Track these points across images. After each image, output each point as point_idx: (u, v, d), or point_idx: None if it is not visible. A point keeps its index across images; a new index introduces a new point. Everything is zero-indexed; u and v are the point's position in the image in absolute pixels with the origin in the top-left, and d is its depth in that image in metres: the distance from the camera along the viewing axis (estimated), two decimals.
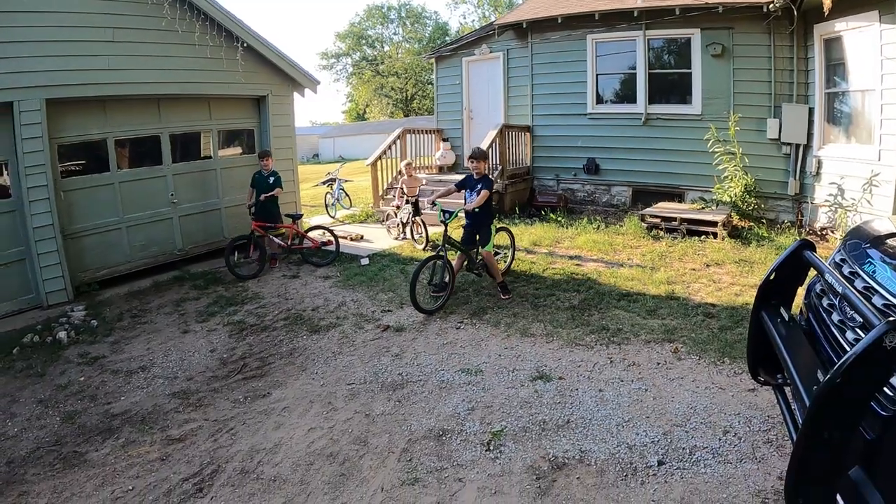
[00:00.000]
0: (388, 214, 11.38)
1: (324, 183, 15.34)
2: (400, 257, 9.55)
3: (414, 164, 13.83)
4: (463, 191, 7.69)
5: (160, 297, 8.63)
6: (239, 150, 11.30)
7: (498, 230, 8.13)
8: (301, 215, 10.35)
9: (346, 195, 15.36)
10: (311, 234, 10.18)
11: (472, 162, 7.47)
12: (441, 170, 14.28)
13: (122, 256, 9.58)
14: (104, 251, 9.38)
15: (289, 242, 9.81)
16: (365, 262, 9.44)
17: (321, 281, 8.82)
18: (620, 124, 12.15)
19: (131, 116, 9.49)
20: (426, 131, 14.73)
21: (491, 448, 4.36)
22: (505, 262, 8.43)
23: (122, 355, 6.82)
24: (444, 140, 14.86)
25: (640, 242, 9.35)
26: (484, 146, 11.68)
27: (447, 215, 7.31)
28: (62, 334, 7.36)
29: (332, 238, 10.02)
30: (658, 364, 5.37)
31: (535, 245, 9.48)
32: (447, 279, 7.29)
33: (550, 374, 5.35)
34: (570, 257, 8.82)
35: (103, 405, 5.71)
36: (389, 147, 13.25)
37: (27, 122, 8.10)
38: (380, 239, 11.03)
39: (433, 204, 7.49)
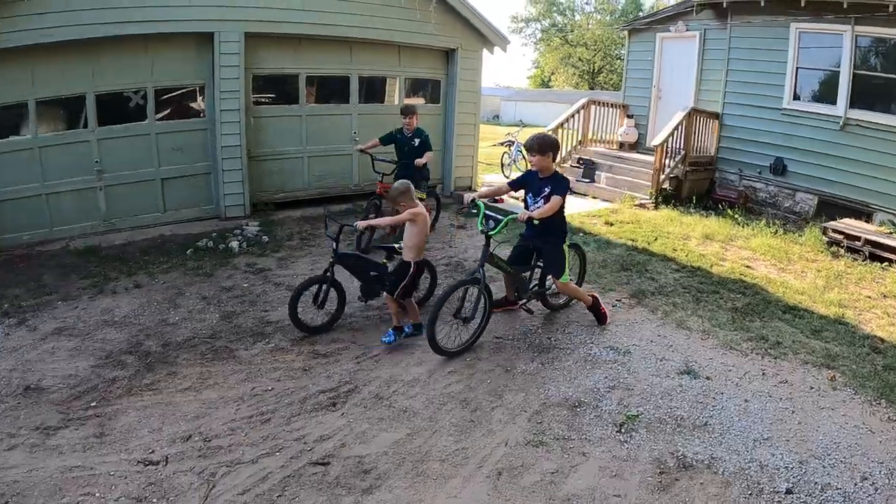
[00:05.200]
0: None
1: (502, 143, 15.46)
2: (569, 226, 9.25)
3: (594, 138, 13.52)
4: (521, 192, 5.79)
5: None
6: (422, 100, 11.54)
7: (569, 248, 5.78)
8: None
9: (524, 157, 15.22)
10: None
11: (532, 155, 5.38)
12: (622, 146, 13.75)
13: (300, 183, 10.21)
14: (283, 176, 10.04)
15: None
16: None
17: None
18: (815, 126, 10.98)
19: (324, 56, 9.96)
20: (611, 105, 14.18)
21: (622, 430, 4.24)
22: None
23: (287, 271, 7.28)
24: (629, 116, 14.20)
25: (816, 256, 8.65)
26: (669, 128, 11.12)
27: (491, 224, 5.24)
28: (234, 244, 7.99)
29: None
30: (811, 388, 4.92)
31: (706, 238, 8.99)
32: (482, 308, 5.41)
33: (698, 372, 5.08)
34: (742, 258, 8.29)
35: (261, 311, 6.12)
36: (572, 116, 13.01)
37: (226, 51, 8.82)
38: None
39: (472, 202, 5.47)
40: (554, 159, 5.45)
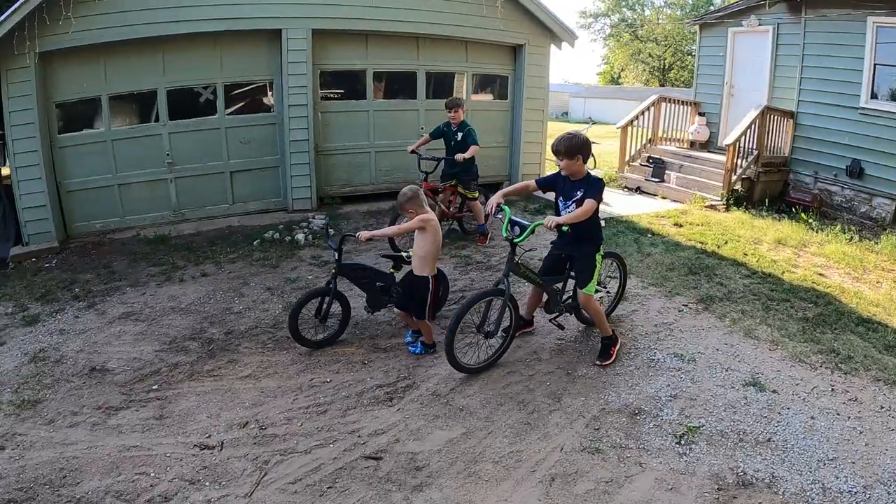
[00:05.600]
0: None
1: None
2: (637, 226, 9.08)
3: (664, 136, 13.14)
4: (550, 195, 5.16)
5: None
6: (490, 96, 11.49)
7: (604, 257, 5.39)
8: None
9: (592, 156, 14.94)
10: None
11: (560, 159, 4.77)
12: (692, 145, 13.30)
13: (367, 178, 10.28)
14: (350, 170, 10.12)
15: (448, 208, 8.18)
16: (601, 224, 9.09)
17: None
18: (894, 126, 10.59)
19: (390, 51, 10.00)
20: (682, 102, 13.69)
21: (682, 442, 4.06)
22: (606, 302, 5.83)
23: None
24: (701, 114, 13.68)
25: (893, 266, 8.15)
26: (742, 126, 10.66)
27: (516, 230, 4.80)
28: (300, 236, 8.11)
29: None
30: (882, 408, 4.62)
31: (778, 243, 8.62)
32: (508, 322, 5.04)
33: (765, 385, 4.83)
34: (815, 265, 7.91)
35: None
36: (642, 113, 12.62)
37: (294, 48, 8.97)
38: (619, 203, 10.59)
39: (498, 207, 4.86)
40: (585, 161, 4.82)
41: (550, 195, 5.17)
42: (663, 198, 11.18)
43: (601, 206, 4.67)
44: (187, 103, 8.90)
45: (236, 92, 9.29)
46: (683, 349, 5.38)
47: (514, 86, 11.31)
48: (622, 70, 55.49)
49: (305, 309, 5.26)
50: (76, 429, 4.29)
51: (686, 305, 6.33)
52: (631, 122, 12.43)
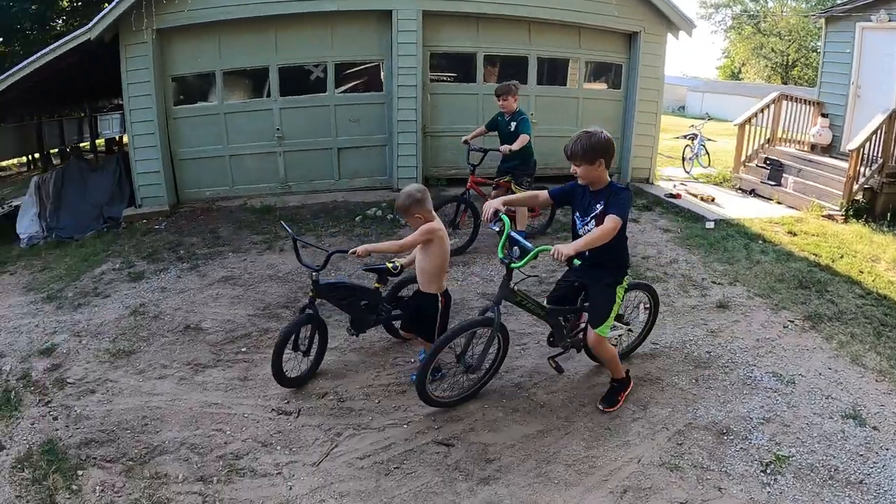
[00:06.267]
0: None
1: (685, 136, 14.61)
2: (748, 231, 8.57)
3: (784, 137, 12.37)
4: (566, 209, 4.31)
5: None
6: (604, 85, 11.16)
7: (630, 289, 4.46)
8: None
9: (707, 153, 14.35)
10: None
11: (577, 164, 3.76)
12: (813, 148, 12.36)
13: None
14: (457, 153, 9.92)
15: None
16: (710, 225, 8.70)
17: (660, 233, 8.28)
18: None
19: (501, 35, 9.86)
20: (804, 101, 12.72)
21: (768, 471, 3.73)
22: (626, 341, 4.96)
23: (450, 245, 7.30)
24: (824, 115, 12.63)
25: None
26: (867, 131, 9.73)
27: (516, 252, 4.01)
28: None
29: None
30: None
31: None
32: (495, 354, 4.33)
33: (865, 419, 4.36)
34: None
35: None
36: (761, 111, 11.96)
37: (404, 28, 9.01)
38: (731, 205, 10.09)
39: (496, 215, 3.89)
40: (608, 166, 3.81)
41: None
42: (778, 202, 10.54)
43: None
44: (298, 80, 9.18)
45: (347, 71, 9.49)
46: (783, 369, 4.98)
47: (627, 75, 10.90)
48: (743, 65, 52.65)
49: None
50: (164, 381, 4.52)
51: (792, 321, 5.86)
52: (749, 119, 11.77)
